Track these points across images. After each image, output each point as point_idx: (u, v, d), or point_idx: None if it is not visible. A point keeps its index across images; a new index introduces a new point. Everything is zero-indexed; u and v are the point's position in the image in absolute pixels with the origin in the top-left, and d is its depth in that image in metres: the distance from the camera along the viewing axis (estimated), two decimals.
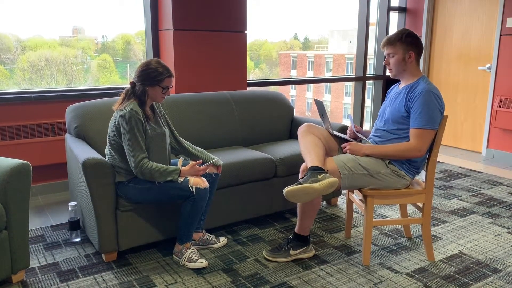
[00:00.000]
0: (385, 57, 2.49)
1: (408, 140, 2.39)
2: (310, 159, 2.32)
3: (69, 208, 2.72)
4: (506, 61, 4.76)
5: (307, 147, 2.39)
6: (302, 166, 2.46)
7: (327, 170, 2.30)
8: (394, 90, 2.59)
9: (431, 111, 2.31)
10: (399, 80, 2.56)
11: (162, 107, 2.66)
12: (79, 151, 2.47)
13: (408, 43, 2.41)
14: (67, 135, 2.92)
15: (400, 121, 2.41)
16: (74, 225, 2.73)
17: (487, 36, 5.00)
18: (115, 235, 2.43)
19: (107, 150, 2.43)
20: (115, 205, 2.41)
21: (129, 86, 2.38)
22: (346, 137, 2.60)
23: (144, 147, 2.30)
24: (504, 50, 4.77)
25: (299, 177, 2.48)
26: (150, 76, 2.32)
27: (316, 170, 2.24)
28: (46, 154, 3.44)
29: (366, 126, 5.79)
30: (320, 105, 2.56)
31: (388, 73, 2.55)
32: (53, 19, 3.79)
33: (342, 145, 2.51)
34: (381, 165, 2.40)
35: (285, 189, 2.20)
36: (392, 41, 2.43)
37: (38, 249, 2.64)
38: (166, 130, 2.52)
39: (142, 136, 2.30)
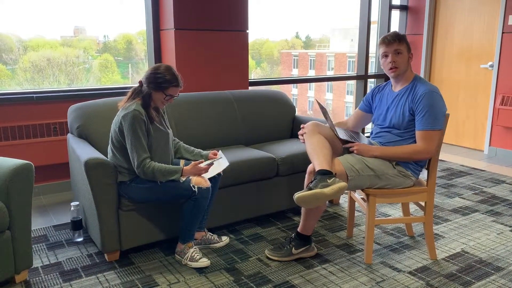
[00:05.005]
0: (385, 56, 2.41)
1: (413, 141, 2.38)
2: (318, 162, 2.28)
3: (72, 208, 2.72)
4: (508, 59, 4.74)
5: (315, 148, 2.35)
6: (309, 168, 2.45)
7: (335, 173, 2.27)
8: (386, 93, 2.53)
9: (436, 112, 2.30)
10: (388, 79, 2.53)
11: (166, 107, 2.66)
12: (81, 151, 2.48)
13: (408, 44, 2.42)
14: (69, 135, 2.93)
15: (405, 126, 2.40)
16: (77, 225, 2.73)
17: (489, 34, 4.98)
18: (118, 235, 2.44)
19: (109, 149, 2.43)
20: (117, 205, 2.41)
21: (137, 85, 2.39)
22: (351, 139, 2.56)
23: (146, 147, 2.31)
24: (506, 48, 4.76)
25: (306, 180, 2.47)
26: (157, 81, 2.32)
27: (325, 174, 2.21)
28: (48, 154, 3.45)
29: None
30: (323, 110, 2.54)
31: (389, 73, 2.43)
32: (55, 19, 3.80)
33: (349, 145, 2.48)
34: (388, 166, 2.39)
35: (296, 195, 2.18)
36: (400, 38, 2.38)
37: (41, 249, 2.65)
38: (170, 131, 2.52)
39: (144, 136, 2.31)
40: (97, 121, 2.80)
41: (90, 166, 2.29)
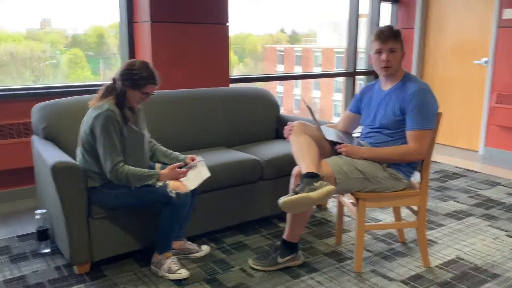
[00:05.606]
0: (378, 52, 2.42)
1: (405, 141, 2.40)
2: (305, 164, 2.29)
3: (37, 216, 2.68)
4: (504, 55, 4.82)
5: (301, 149, 2.36)
6: (295, 170, 2.45)
7: (323, 176, 2.28)
8: (375, 92, 2.57)
9: (427, 110, 2.33)
10: (377, 78, 2.56)
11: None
12: (48, 154, 2.44)
13: (402, 42, 2.44)
14: (34, 136, 2.88)
15: (396, 125, 2.42)
16: (43, 235, 2.69)
17: (482, 29, 5.07)
18: (88, 245, 2.41)
19: (78, 152, 2.40)
20: (87, 212, 2.38)
21: (110, 82, 2.36)
22: (339, 140, 2.57)
23: (119, 150, 2.28)
24: (502, 43, 4.83)
25: (292, 183, 2.46)
26: (133, 78, 2.29)
27: (312, 177, 2.22)
28: (11, 157, 3.39)
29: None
30: (309, 109, 2.55)
31: (381, 71, 2.45)
32: (19, 10, 3.73)
33: (337, 147, 2.49)
34: (378, 168, 2.41)
35: (281, 200, 2.19)
36: (396, 35, 2.40)
37: (4, 261, 2.60)
38: (145, 132, 2.49)
39: (118, 138, 2.28)
40: (65, 122, 2.76)
41: (58, 171, 2.25)
